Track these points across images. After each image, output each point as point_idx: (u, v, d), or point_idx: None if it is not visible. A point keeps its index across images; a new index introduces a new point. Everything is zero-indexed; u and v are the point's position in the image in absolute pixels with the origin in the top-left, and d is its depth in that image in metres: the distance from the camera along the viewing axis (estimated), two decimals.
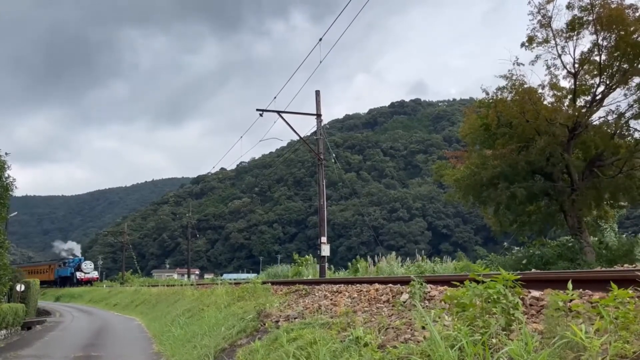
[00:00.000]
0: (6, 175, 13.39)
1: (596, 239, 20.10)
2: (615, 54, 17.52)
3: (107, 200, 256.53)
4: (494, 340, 3.51)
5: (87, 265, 64.90)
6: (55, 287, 63.37)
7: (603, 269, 8.74)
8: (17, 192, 14.82)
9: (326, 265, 20.76)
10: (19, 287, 22.53)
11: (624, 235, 21.59)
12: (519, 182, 18.74)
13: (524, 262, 16.61)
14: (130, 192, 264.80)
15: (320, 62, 17.36)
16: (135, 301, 29.26)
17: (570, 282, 3.67)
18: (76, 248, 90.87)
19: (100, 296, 41.84)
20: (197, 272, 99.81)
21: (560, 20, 18.73)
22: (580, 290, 4.35)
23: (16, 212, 44.12)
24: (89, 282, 61.94)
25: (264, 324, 7.97)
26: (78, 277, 62.15)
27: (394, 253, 24.32)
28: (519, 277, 4.09)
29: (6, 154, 13.28)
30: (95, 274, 65.29)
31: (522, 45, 19.01)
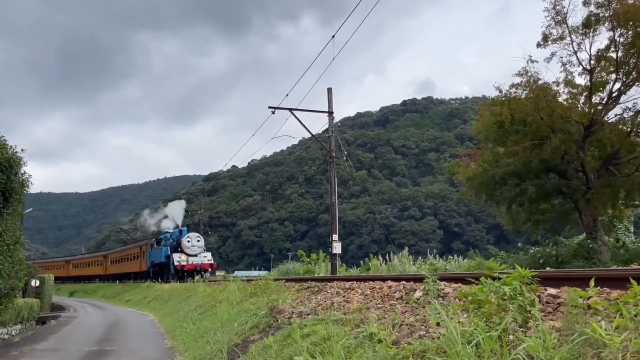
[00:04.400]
0: (22, 171, 13.51)
1: (611, 239, 19.86)
2: (632, 51, 17.26)
3: (119, 197, 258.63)
4: (510, 337, 3.48)
5: (193, 241, 35.11)
6: (148, 282, 37.38)
7: (620, 267, 8.63)
8: (32, 189, 14.94)
9: (337, 262, 20.76)
10: (34, 283, 22.82)
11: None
12: (531, 180, 18.56)
13: (541, 261, 16.45)
14: (143, 189, 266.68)
15: (333, 59, 17.34)
16: (147, 297, 29.50)
17: (593, 279, 3.62)
18: (144, 216, 56.71)
19: (113, 292, 42.25)
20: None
21: (576, 17, 18.51)
22: (598, 288, 4.30)
23: (31, 209, 44.59)
24: (196, 272, 32.93)
25: (277, 320, 7.98)
26: (176, 264, 33.46)
27: (406, 249, 24.18)
28: (535, 274, 4.05)
29: (22, 150, 13.39)
30: (207, 257, 35.16)
31: (538, 45, 18.83)
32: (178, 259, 33.56)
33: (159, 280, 34.66)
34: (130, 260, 46.01)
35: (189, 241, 34.99)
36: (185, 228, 37.63)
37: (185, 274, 32.25)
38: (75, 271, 63.99)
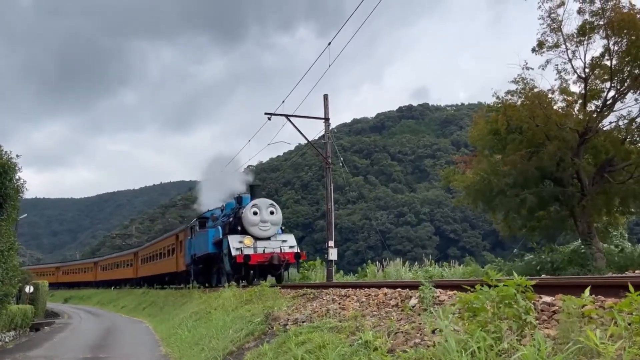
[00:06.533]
0: (17, 177, 13.46)
1: (606, 245, 19.93)
2: (627, 59, 17.40)
3: (115, 203, 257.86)
4: (505, 345, 3.48)
5: (263, 212, 18.89)
6: (185, 289, 24.36)
7: (615, 274, 8.66)
8: (27, 195, 14.92)
9: (334, 269, 20.73)
10: (28, 289, 22.70)
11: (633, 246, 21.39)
12: (529, 188, 18.62)
13: (537, 268, 16.49)
14: (139, 194, 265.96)
15: (329, 66, 17.39)
16: (142, 303, 29.33)
17: (588, 288, 3.63)
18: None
19: (108, 298, 41.98)
20: None
21: (570, 25, 18.65)
22: (593, 295, 4.30)
23: (26, 214, 44.46)
24: (271, 268, 18.51)
25: (272, 327, 7.96)
26: (234, 254, 17.79)
27: (399, 259, 24.16)
28: (533, 282, 4.04)
29: (17, 156, 13.35)
30: (289, 242, 19.03)
31: (533, 50, 18.94)
32: (237, 245, 18.19)
33: (204, 286, 22.06)
34: (163, 257, 31.43)
35: (255, 213, 18.79)
36: (248, 195, 20.21)
37: (251, 271, 18.02)
38: (104, 274, 52.33)
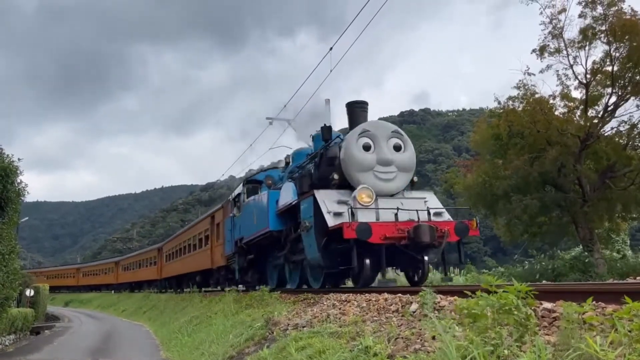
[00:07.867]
0: (18, 180, 13.47)
1: (608, 251, 19.90)
2: (628, 65, 17.42)
3: (116, 207, 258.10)
4: (505, 352, 3.47)
5: (383, 144, 9.46)
6: (239, 293, 14.01)
7: (616, 281, 8.64)
8: (29, 198, 14.89)
9: None
10: (29, 292, 22.68)
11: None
12: (530, 194, 18.60)
13: (537, 277, 16.46)
14: (140, 198, 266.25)
15: (331, 70, 17.34)
16: (143, 307, 29.31)
17: (591, 298, 3.64)
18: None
19: (108, 302, 41.95)
20: None
21: (572, 30, 18.73)
22: (594, 302, 4.30)
23: (27, 218, 44.47)
24: (413, 249, 8.70)
25: (272, 332, 7.94)
26: (331, 222, 8.52)
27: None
28: (534, 291, 4.03)
29: (19, 159, 13.35)
30: (435, 204, 9.54)
31: (533, 51, 18.96)
32: (335, 207, 8.98)
33: (255, 289, 13.99)
34: (192, 249, 23.42)
35: (367, 147, 9.60)
36: (340, 134, 11.23)
37: (366, 260, 8.95)
38: (125, 276, 45.47)
